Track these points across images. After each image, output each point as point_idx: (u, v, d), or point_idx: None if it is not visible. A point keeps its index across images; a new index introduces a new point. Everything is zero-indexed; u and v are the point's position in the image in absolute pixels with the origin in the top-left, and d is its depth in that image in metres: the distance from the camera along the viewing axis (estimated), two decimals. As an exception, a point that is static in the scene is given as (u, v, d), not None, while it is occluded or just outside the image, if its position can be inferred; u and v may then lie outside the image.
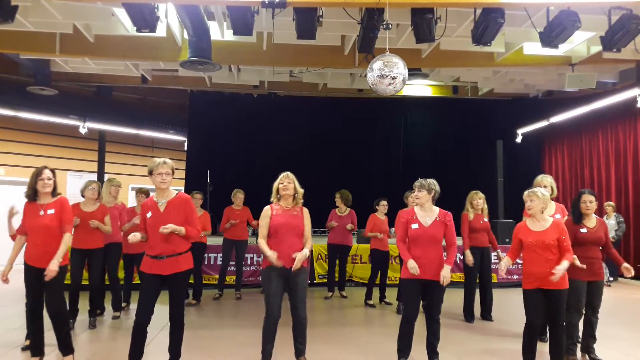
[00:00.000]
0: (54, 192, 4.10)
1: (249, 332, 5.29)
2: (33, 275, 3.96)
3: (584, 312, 4.45)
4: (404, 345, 4.13)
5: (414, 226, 4.09)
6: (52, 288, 3.97)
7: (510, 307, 6.60)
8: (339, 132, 11.77)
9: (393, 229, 6.09)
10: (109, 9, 6.41)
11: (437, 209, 4.17)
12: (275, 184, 4.09)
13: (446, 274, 3.96)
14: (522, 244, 4.01)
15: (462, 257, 7.95)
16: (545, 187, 4.92)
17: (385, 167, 12.09)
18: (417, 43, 6.26)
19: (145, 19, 5.64)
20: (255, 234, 8.85)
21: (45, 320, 4.04)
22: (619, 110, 9.50)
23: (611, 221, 9.11)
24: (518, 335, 4.08)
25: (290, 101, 11.42)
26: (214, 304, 6.91)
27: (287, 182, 4.04)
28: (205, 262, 7.84)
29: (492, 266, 6.47)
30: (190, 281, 6.92)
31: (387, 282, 7.12)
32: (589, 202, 4.38)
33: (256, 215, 7.59)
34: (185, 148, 12.13)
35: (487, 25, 5.77)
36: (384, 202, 6.92)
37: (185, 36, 6.74)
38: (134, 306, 5.65)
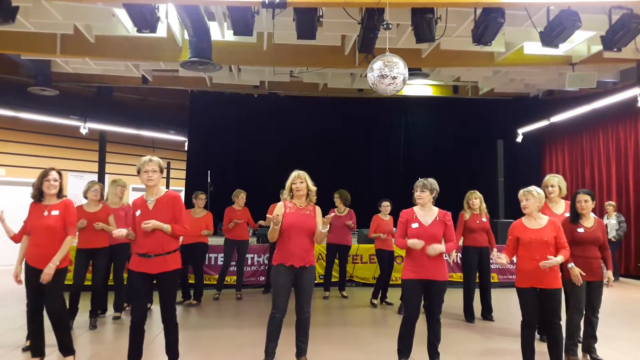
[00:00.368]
0: (60, 194, 4.11)
1: (249, 332, 5.30)
2: (34, 275, 3.96)
3: (584, 312, 4.45)
4: (404, 345, 4.13)
5: (414, 225, 4.10)
6: (52, 289, 3.97)
7: (510, 306, 6.59)
8: (339, 132, 11.78)
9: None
10: (110, 10, 6.42)
11: (436, 209, 4.19)
12: (288, 183, 4.12)
13: (437, 247, 3.95)
14: (519, 241, 4.02)
15: (461, 257, 7.98)
16: (552, 186, 4.93)
17: (386, 167, 12.10)
18: (417, 43, 6.26)
19: (145, 19, 5.64)
20: (255, 234, 8.87)
21: (46, 321, 4.04)
22: (620, 109, 9.49)
23: (612, 221, 9.11)
24: (518, 334, 4.08)
25: (291, 101, 11.43)
26: (215, 304, 6.91)
27: (299, 183, 4.07)
28: (206, 262, 7.84)
29: (492, 266, 6.46)
30: (191, 281, 6.96)
31: (390, 282, 7.11)
32: (584, 201, 4.36)
33: (255, 215, 7.65)
34: (186, 148, 12.14)
35: (487, 25, 5.77)
36: (386, 203, 6.93)
37: (186, 36, 6.74)
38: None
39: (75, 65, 8.81)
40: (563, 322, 4.05)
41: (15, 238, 4.30)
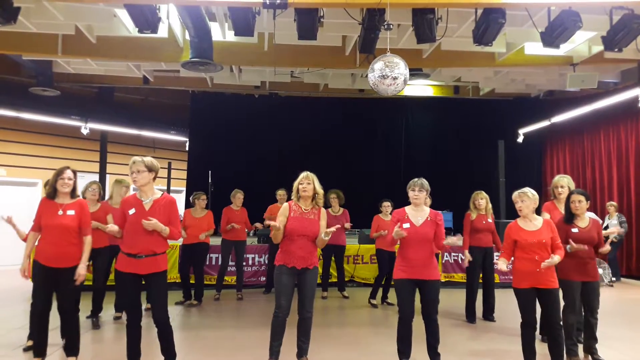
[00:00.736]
0: (73, 194, 4.12)
1: (251, 333, 5.31)
2: (45, 274, 3.94)
3: (582, 312, 4.45)
4: (404, 346, 4.14)
5: (406, 225, 4.11)
6: (70, 288, 3.99)
7: (512, 307, 6.55)
8: (340, 132, 11.78)
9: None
10: (111, 10, 6.43)
11: (428, 209, 4.22)
12: (296, 184, 4.13)
13: (449, 242, 4.08)
14: (516, 243, 4.01)
15: (463, 257, 7.97)
16: (562, 187, 4.92)
17: (386, 167, 12.08)
18: (418, 43, 6.26)
19: (146, 19, 5.65)
20: (256, 234, 8.87)
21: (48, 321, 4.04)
22: (621, 110, 9.48)
23: (613, 221, 9.10)
24: (520, 335, 4.08)
25: (292, 102, 11.43)
26: (216, 305, 6.91)
27: (306, 184, 4.07)
28: (207, 263, 7.85)
29: (495, 266, 6.45)
30: (191, 282, 6.96)
31: (392, 283, 7.10)
32: (577, 201, 4.34)
33: (256, 215, 7.66)
34: (187, 148, 12.15)
35: (488, 25, 5.77)
36: (387, 203, 6.93)
37: (187, 37, 6.74)
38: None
39: (77, 65, 8.83)
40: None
41: (27, 238, 4.30)
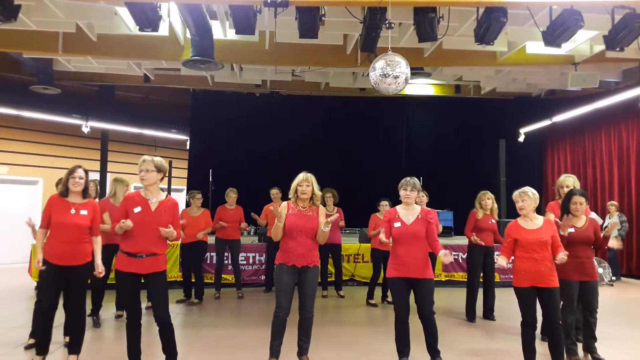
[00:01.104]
0: (85, 193, 4.13)
1: (252, 332, 5.31)
2: (54, 273, 3.94)
3: (580, 311, 4.45)
4: (402, 345, 4.14)
5: (397, 225, 4.13)
6: (78, 287, 4.03)
7: (512, 306, 6.56)
8: (341, 131, 11.77)
9: None
10: (112, 8, 6.43)
11: (419, 207, 4.24)
12: (294, 185, 4.11)
13: (444, 254, 3.97)
14: (517, 242, 4.01)
15: (464, 257, 7.98)
16: (567, 186, 4.90)
17: (387, 166, 12.08)
18: (419, 42, 6.26)
19: (147, 18, 5.65)
20: (257, 233, 8.86)
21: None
22: (622, 109, 9.48)
23: (614, 220, 9.10)
24: (520, 334, 4.08)
25: (293, 100, 11.43)
26: (216, 303, 6.92)
27: (305, 186, 4.06)
28: (208, 261, 7.85)
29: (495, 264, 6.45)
30: (192, 280, 6.96)
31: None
32: (579, 203, 4.33)
33: (249, 215, 7.65)
34: (188, 147, 12.15)
35: (489, 24, 5.77)
36: (385, 202, 6.90)
37: (188, 35, 6.74)
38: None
39: (77, 63, 8.83)
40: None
41: (36, 235, 4.27)
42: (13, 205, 10.43)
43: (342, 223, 7.28)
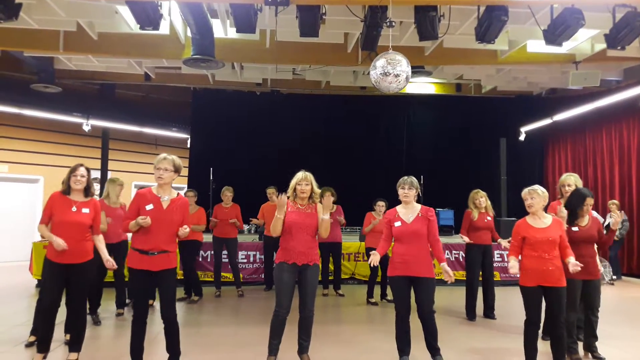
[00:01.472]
0: (87, 191, 4.14)
1: (252, 330, 5.31)
2: (57, 271, 3.96)
3: (581, 310, 4.45)
4: (403, 343, 4.15)
5: (397, 224, 4.14)
6: (80, 285, 4.04)
7: (512, 305, 6.59)
8: (341, 129, 11.76)
9: None
10: (113, 7, 6.43)
11: (418, 206, 4.24)
12: (293, 183, 4.12)
13: (446, 271, 4.00)
14: (525, 240, 4.00)
15: (464, 255, 7.97)
16: (569, 185, 4.91)
17: (388, 164, 12.07)
18: (420, 41, 6.25)
19: (148, 16, 5.65)
20: (257, 231, 8.86)
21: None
22: (623, 108, 9.46)
23: (620, 213, 9.09)
24: (520, 333, 4.08)
25: (293, 99, 11.42)
26: (217, 302, 6.93)
27: (304, 185, 4.07)
28: (208, 260, 7.86)
29: (494, 264, 6.47)
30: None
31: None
32: (590, 205, 4.38)
33: (255, 214, 7.66)
34: (188, 145, 12.16)
35: (490, 22, 5.76)
36: (381, 203, 6.87)
37: (189, 34, 6.74)
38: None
39: (78, 62, 8.83)
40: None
41: (40, 231, 4.25)
42: (14, 203, 10.45)
43: (343, 220, 7.27)
